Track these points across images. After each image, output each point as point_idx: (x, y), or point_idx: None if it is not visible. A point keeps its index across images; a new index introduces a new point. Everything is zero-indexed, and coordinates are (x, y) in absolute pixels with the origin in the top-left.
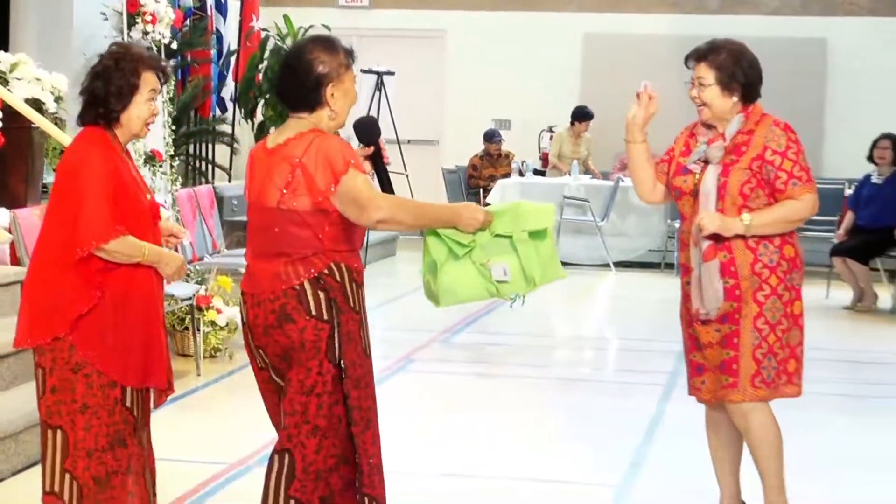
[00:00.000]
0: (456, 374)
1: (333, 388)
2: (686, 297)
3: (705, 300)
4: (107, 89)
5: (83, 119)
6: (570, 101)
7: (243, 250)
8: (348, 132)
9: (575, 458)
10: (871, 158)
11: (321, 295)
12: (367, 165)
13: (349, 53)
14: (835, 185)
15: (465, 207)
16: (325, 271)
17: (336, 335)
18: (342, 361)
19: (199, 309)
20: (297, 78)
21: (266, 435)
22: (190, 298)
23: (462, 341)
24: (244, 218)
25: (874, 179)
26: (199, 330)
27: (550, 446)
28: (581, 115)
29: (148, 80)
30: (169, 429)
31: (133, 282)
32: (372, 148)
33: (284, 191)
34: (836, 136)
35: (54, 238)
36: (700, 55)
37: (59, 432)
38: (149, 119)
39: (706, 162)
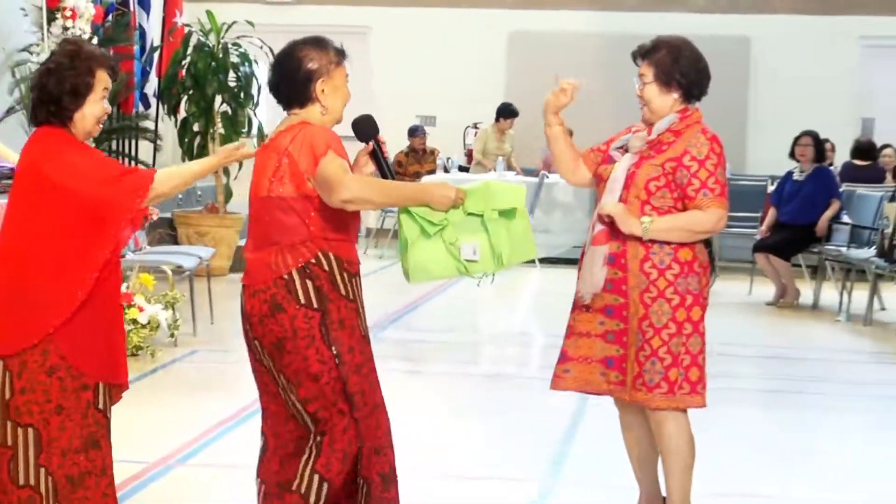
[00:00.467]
0: (381, 370)
1: (339, 374)
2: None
3: (583, 283)
4: (61, 88)
5: (37, 118)
6: (495, 98)
7: (166, 247)
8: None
9: (499, 454)
10: (792, 155)
11: (309, 284)
12: (371, 166)
13: (340, 52)
14: (757, 182)
15: (436, 185)
16: (313, 261)
17: (327, 322)
18: (334, 347)
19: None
20: (287, 75)
21: (187, 434)
22: None
23: (387, 338)
24: (168, 215)
25: (796, 176)
26: None
27: (474, 443)
28: (506, 112)
29: (101, 78)
30: None
31: (106, 282)
32: (371, 144)
33: (272, 179)
34: (758, 134)
35: (23, 242)
36: (643, 53)
37: (30, 430)
38: (101, 117)
39: (627, 151)
